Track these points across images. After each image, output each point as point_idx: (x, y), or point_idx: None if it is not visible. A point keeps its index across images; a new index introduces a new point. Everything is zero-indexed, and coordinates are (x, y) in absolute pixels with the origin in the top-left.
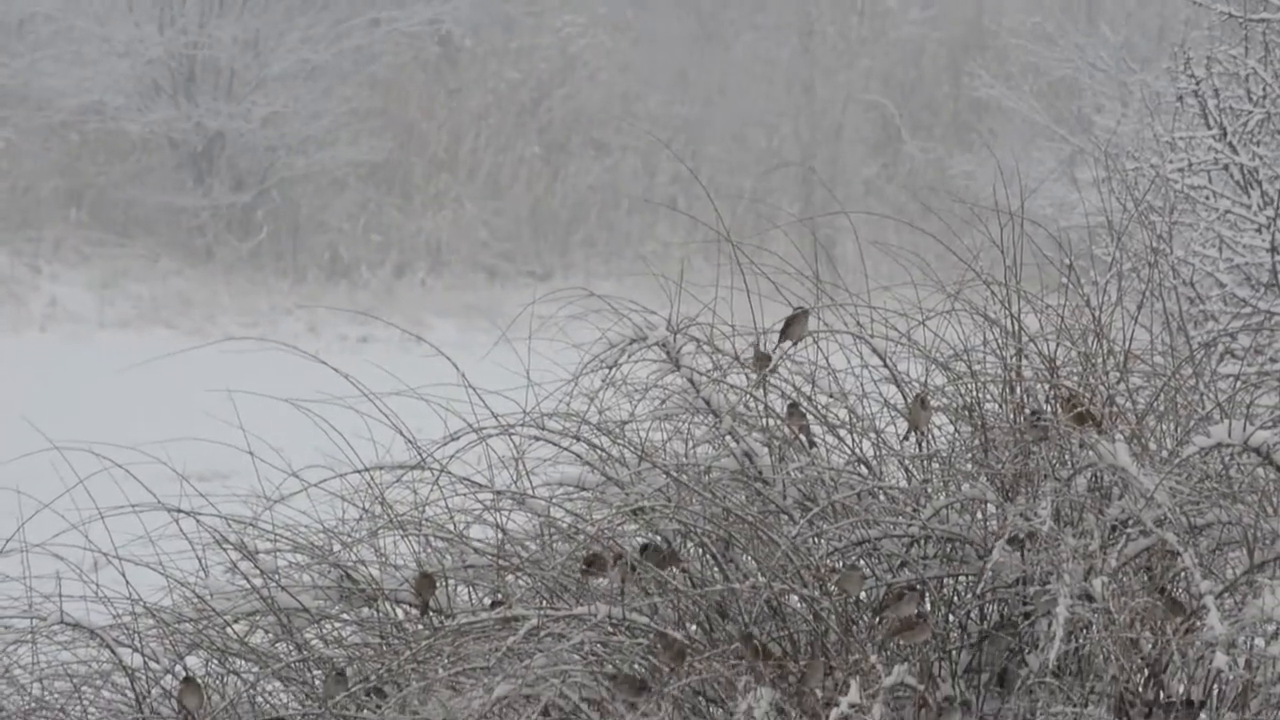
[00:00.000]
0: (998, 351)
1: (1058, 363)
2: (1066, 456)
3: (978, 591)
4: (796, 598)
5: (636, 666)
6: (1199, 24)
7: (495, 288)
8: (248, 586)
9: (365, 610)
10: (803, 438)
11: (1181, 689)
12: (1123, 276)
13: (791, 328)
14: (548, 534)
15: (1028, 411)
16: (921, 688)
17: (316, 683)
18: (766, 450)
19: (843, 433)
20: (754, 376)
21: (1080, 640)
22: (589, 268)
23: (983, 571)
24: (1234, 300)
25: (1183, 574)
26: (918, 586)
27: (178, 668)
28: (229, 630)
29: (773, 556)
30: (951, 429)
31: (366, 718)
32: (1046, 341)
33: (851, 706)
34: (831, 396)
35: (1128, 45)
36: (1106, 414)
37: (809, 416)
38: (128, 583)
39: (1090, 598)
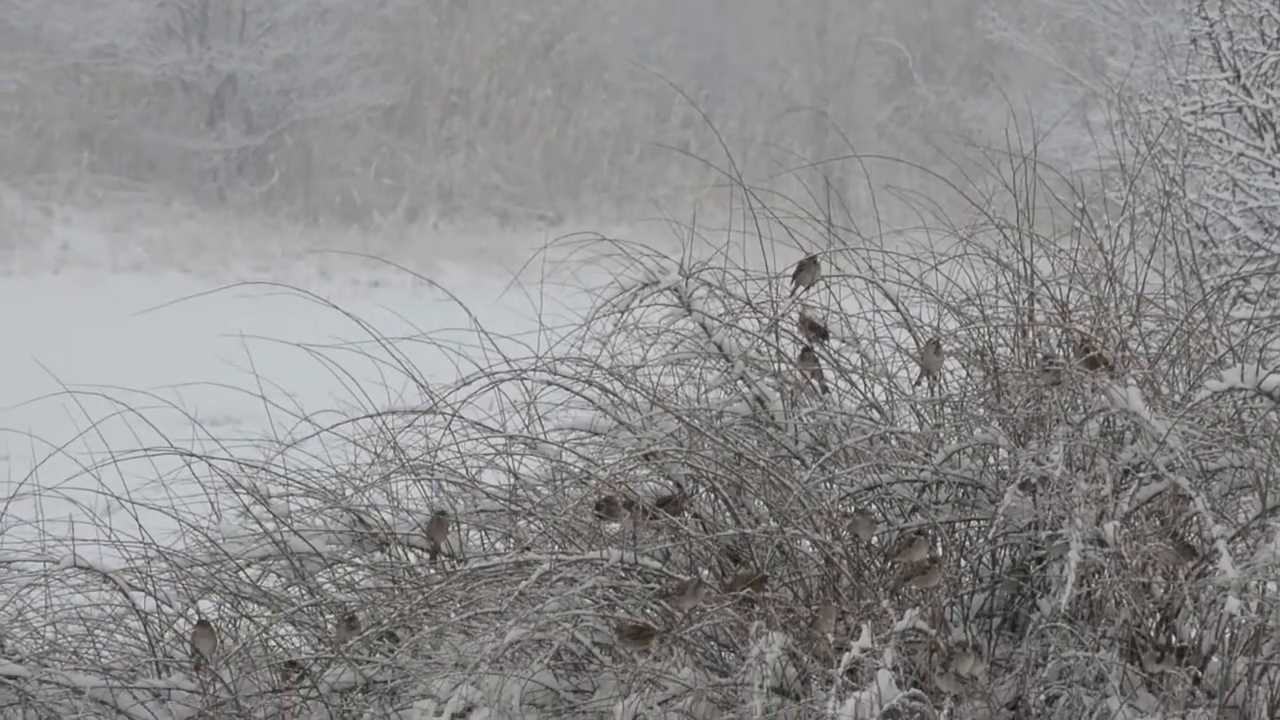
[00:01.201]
0: (1010, 296)
1: (1070, 307)
2: (1079, 401)
3: (989, 536)
4: (808, 543)
5: (649, 611)
6: None
7: (507, 232)
8: (260, 531)
9: (377, 555)
10: (815, 382)
11: (1193, 633)
12: (1135, 220)
13: (802, 274)
14: (560, 479)
15: (1040, 356)
16: (933, 632)
17: (329, 627)
18: (778, 395)
19: (855, 377)
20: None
21: (1092, 585)
22: (601, 212)
23: (994, 516)
24: (1247, 244)
25: (1195, 518)
26: (929, 531)
27: (190, 611)
28: (241, 574)
29: (784, 501)
30: (964, 373)
31: (379, 662)
32: (1059, 285)
33: (863, 651)
34: (844, 341)
35: None
36: (1119, 358)
37: (821, 361)
38: (140, 526)
39: (1102, 542)
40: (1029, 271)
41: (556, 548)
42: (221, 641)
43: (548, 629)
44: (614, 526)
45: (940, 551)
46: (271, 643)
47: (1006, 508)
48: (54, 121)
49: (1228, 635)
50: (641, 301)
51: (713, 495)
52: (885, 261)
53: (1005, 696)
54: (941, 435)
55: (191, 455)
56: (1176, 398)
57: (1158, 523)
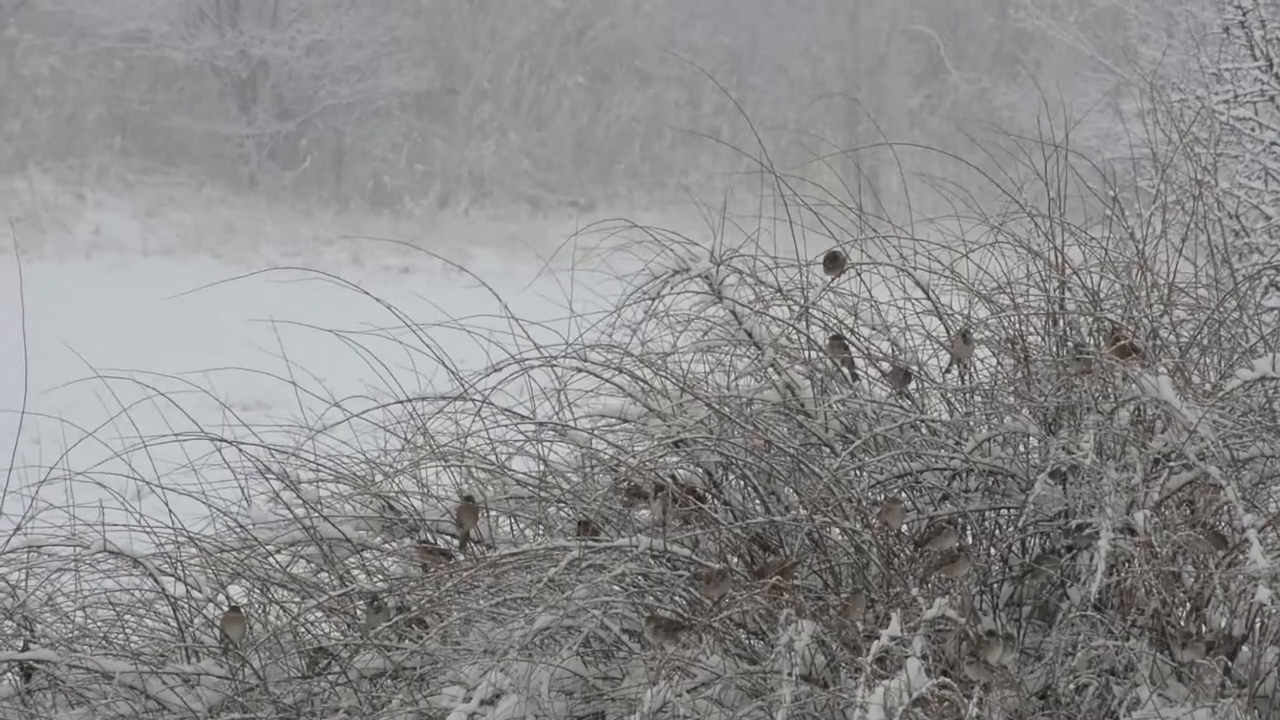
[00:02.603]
0: (1041, 284)
1: (1101, 295)
2: (1109, 390)
3: (1019, 525)
4: (838, 531)
5: (677, 599)
6: None
7: (538, 218)
8: (290, 516)
9: (407, 541)
10: (845, 370)
11: (1223, 623)
12: (1167, 209)
13: (828, 267)
14: (589, 466)
15: (1071, 345)
16: (963, 620)
17: (358, 613)
18: (809, 383)
19: (885, 365)
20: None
21: (1122, 574)
22: (632, 198)
23: (1024, 505)
24: (1279, 233)
25: (1225, 508)
26: (959, 520)
27: (220, 597)
28: (271, 560)
29: (814, 489)
30: (994, 362)
31: (407, 648)
32: (1090, 274)
33: (893, 639)
34: (874, 329)
35: None
36: (1150, 347)
37: (851, 349)
38: (170, 512)
39: (1132, 531)
40: (1060, 260)
41: (585, 535)
42: (250, 627)
43: (576, 616)
44: (644, 513)
45: (970, 540)
46: (301, 629)
47: (1037, 496)
48: (86, 106)
49: (1258, 625)
50: (672, 288)
51: (742, 483)
52: (916, 249)
53: (1035, 685)
54: (972, 423)
55: (222, 440)
56: (1207, 387)
57: (1188, 512)
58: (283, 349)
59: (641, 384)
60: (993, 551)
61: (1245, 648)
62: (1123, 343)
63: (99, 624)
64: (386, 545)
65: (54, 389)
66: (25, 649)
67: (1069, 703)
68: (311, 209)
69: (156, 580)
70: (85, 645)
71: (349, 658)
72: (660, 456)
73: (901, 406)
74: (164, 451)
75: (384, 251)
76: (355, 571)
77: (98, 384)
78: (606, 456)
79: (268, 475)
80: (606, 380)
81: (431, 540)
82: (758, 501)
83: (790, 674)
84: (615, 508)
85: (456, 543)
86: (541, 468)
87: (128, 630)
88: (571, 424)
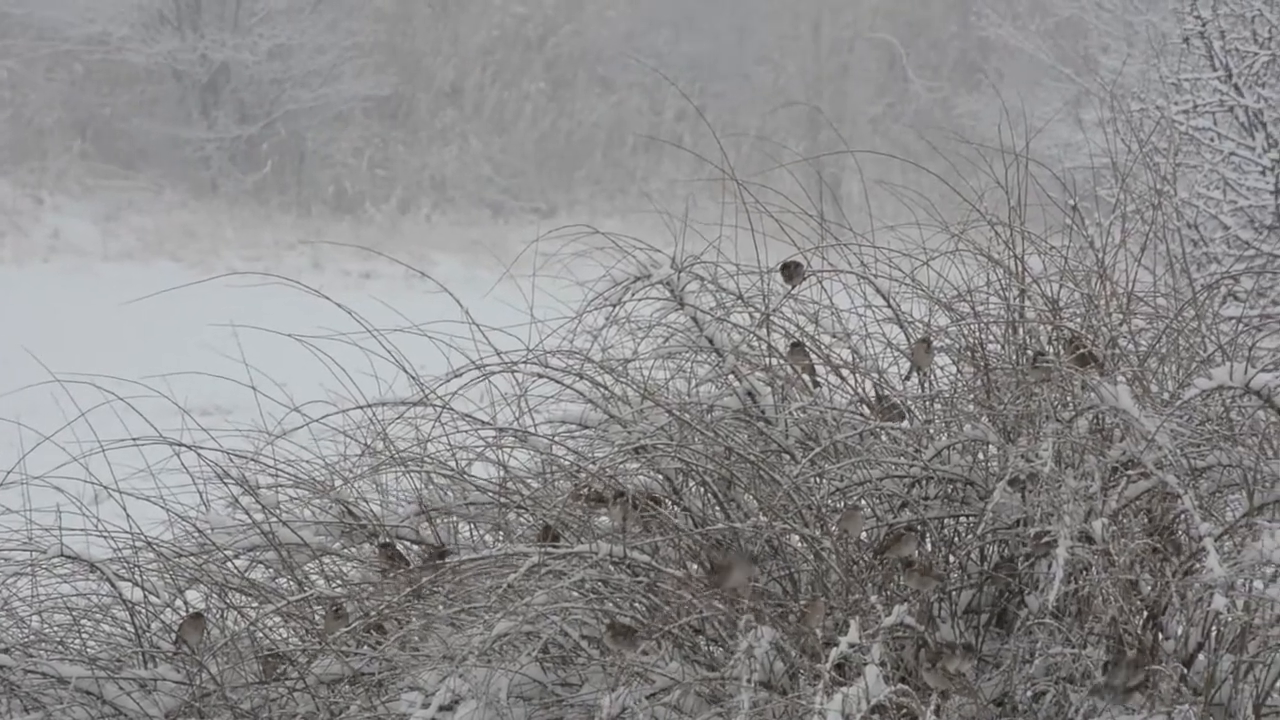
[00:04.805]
0: (1001, 292)
1: (1061, 304)
2: (1068, 398)
3: (978, 532)
4: (798, 537)
5: (637, 605)
6: None
7: (499, 224)
8: (249, 521)
9: (366, 546)
10: (806, 377)
11: (1180, 631)
12: (1126, 218)
13: (786, 276)
14: (549, 471)
15: (1030, 353)
16: (921, 628)
17: (317, 618)
18: (769, 390)
19: (846, 373)
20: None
21: (1080, 582)
22: (594, 205)
23: (984, 512)
24: (1237, 242)
25: (1183, 516)
26: (919, 527)
27: (178, 602)
28: (229, 565)
29: (774, 496)
30: (954, 370)
31: (366, 654)
32: (1050, 283)
33: (851, 646)
34: (835, 336)
35: None
36: (1109, 356)
37: (812, 356)
38: (128, 516)
39: (1090, 539)
40: (1020, 268)
41: (545, 541)
42: (208, 632)
43: (536, 622)
44: (604, 519)
45: (929, 547)
46: (259, 634)
47: (995, 504)
48: (46, 109)
49: (1214, 633)
50: (633, 295)
51: (703, 489)
52: (877, 257)
53: (992, 692)
54: (931, 431)
55: (180, 445)
56: (1166, 396)
57: (1146, 520)
58: (243, 354)
59: (602, 390)
60: (951, 559)
61: (1201, 656)
62: (1082, 351)
63: (55, 629)
64: (346, 550)
65: (11, 393)
66: None
67: (1026, 710)
68: (272, 214)
69: (114, 585)
70: (41, 650)
71: (307, 663)
72: (620, 463)
73: (861, 414)
74: (122, 456)
75: (345, 256)
76: (314, 577)
77: (55, 388)
78: (567, 462)
79: (226, 480)
80: (567, 386)
81: (390, 545)
82: (718, 508)
83: (749, 680)
84: (575, 514)
85: (415, 549)
86: (502, 473)
87: (84, 635)
88: (532, 430)
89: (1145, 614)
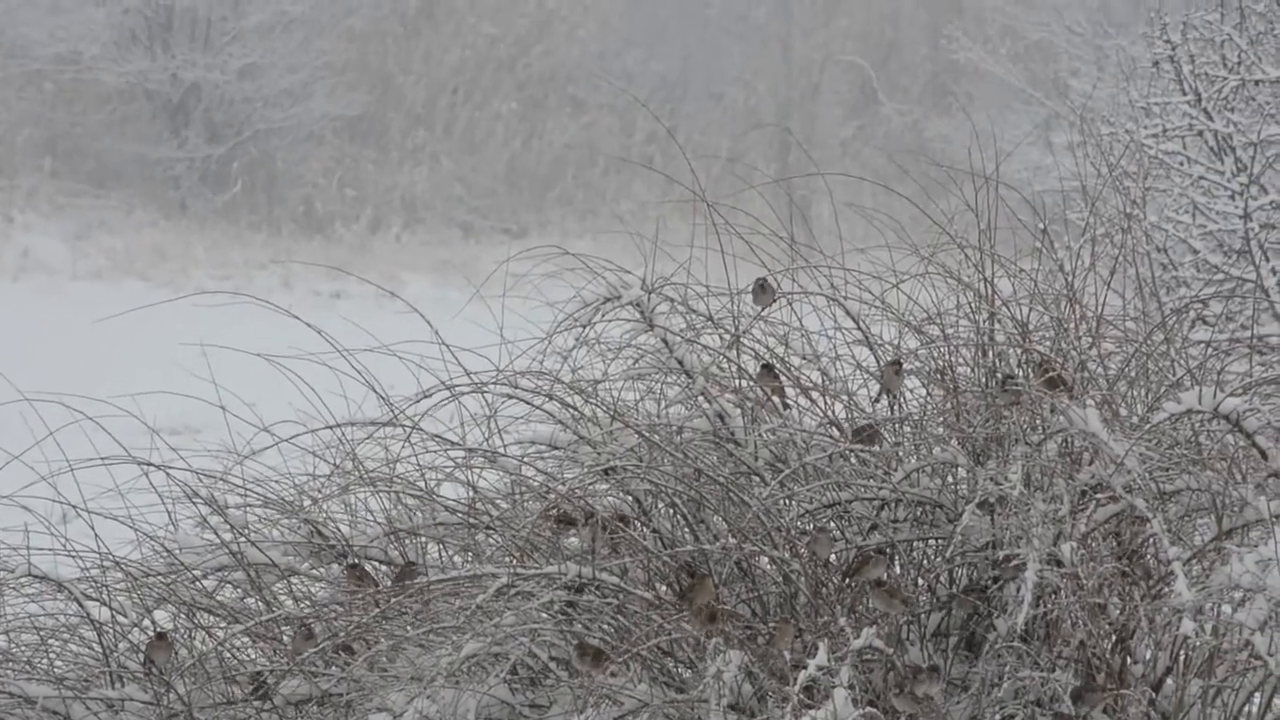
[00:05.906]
0: (971, 315)
1: (1030, 327)
2: (1038, 421)
3: (947, 555)
4: (766, 559)
5: (605, 626)
6: None
7: (470, 244)
8: (217, 541)
9: (335, 566)
10: (775, 399)
11: (1149, 655)
12: (1096, 242)
13: (757, 296)
14: (519, 492)
15: (999, 376)
16: (890, 651)
17: (285, 639)
18: (739, 411)
19: (815, 395)
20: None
21: (1048, 605)
22: (564, 225)
23: (953, 535)
24: (1206, 267)
25: (1151, 540)
26: (888, 549)
27: (145, 622)
28: (197, 585)
29: (743, 518)
30: (924, 392)
31: (334, 675)
32: (1019, 306)
33: (820, 669)
34: (805, 358)
35: (1104, 9)
36: (1078, 379)
37: (782, 378)
38: (97, 536)
39: (1059, 563)
40: (990, 291)
41: (515, 561)
42: (176, 653)
43: (504, 643)
44: (573, 540)
45: (898, 570)
46: (227, 654)
47: (964, 527)
48: (16, 128)
49: (1182, 657)
50: (603, 316)
51: (672, 511)
52: (847, 279)
53: (961, 716)
54: (901, 454)
55: (149, 465)
56: (1135, 419)
57: (1114, 544)
58: (212, 373)
59: (572, 411)
60: (920, 582)
61: (1169, 680)
62: (1051, 374)
63: (22, 648)
64: (314, 571)
65: None
66: None
67: None
68: (242, 233)
69: (81, 605)
70: (8, 670)
71: (275, 684)
72: (590, 484)
73: (831, 436)
74: (91, 475)
75: (315, 276)
76: (282, 597)
77: (24, 407)
78: (536, 483)
79: (195, 500)
80: (537, 407)
81: (359, 565)
82: (687, 530)
83: (718, 703)
84: (544, 535)
85: (384, 569)
86: (471, 494)
87: (52, 655)
88: (501, 451)
89: (1114, 638)
